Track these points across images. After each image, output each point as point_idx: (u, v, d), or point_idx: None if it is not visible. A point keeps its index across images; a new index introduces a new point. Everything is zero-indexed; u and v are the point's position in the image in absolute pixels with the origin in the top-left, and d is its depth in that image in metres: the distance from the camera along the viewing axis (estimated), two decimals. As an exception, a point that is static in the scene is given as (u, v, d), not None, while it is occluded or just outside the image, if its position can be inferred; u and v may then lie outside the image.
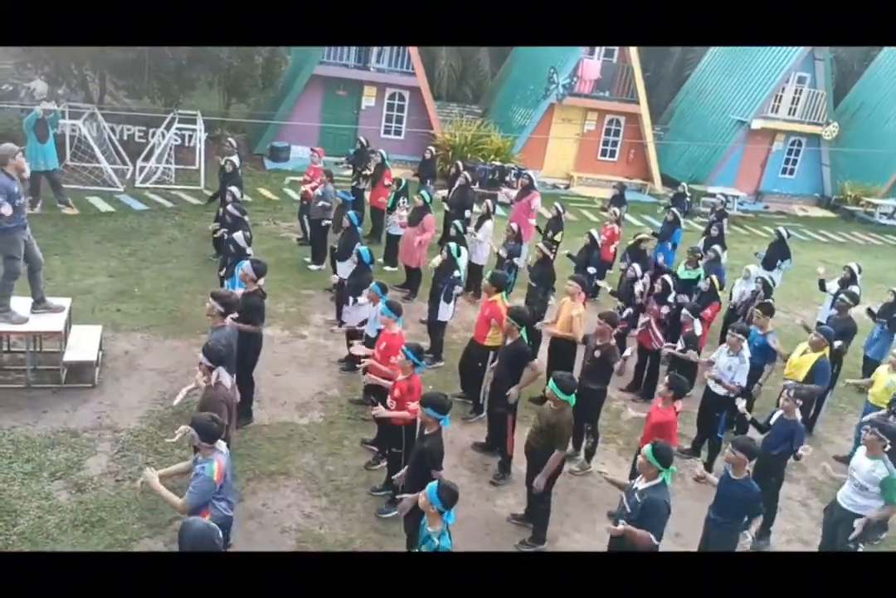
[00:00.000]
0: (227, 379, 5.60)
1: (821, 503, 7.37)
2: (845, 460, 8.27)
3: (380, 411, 6.14)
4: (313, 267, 11.47)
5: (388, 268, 11.67)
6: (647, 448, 5.11)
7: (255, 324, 7.00)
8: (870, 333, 9.86)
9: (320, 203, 10.98)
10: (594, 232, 10.71)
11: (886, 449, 5.93)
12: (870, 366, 9.81)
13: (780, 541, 6.86)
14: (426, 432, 5.49)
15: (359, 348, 7.10)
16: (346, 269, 9.09)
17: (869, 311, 9.90)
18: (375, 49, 17.97)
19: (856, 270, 10.42)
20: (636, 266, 9.63)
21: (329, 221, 10.97)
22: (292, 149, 17.69)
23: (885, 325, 9.75)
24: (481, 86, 22.99)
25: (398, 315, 6.85)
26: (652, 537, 4.92)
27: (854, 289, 9.92)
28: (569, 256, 10.59)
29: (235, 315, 6.60)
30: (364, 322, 7.81)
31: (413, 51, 17.89)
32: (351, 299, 8.15)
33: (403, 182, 11.71)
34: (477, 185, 15.17)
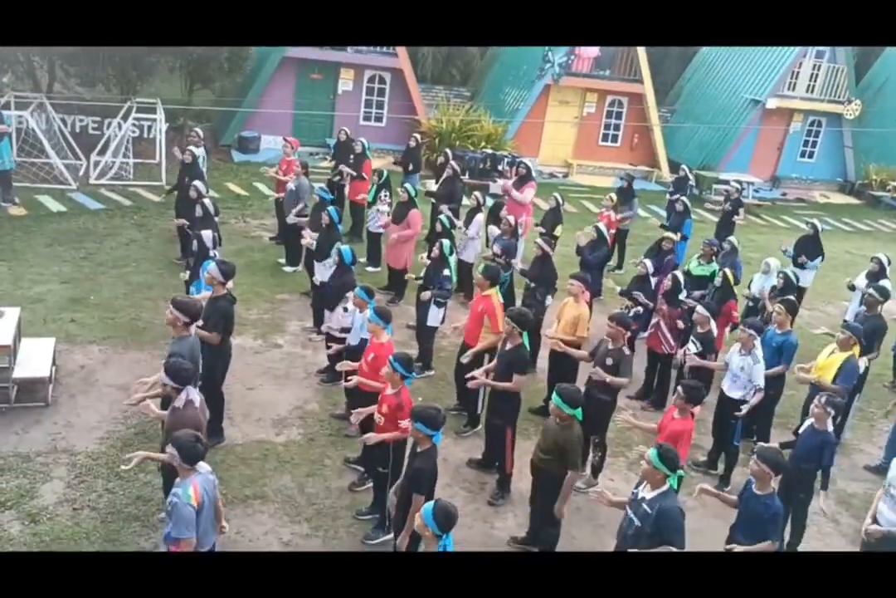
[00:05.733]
0: (196, 399, 5.58)
1: (851, 518, 7.40)
2: (875, 469, 8.31)
3: (370, 437, 6.06)
4: (288, 269, 11.44)
5: (370, 269, 11.66)
6: (651, 453, 5.14)
7: (218, 331, 6.91)
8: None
9: (294, 218, 10.86)
10: (601, 225, 10.73)
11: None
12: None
13: (807, 561, 6.86)
14: (418, 449, 5.48)
15: (345, 364, 7.05)
16: (325, 271, 9.07)
17: None
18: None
19: (885, 261, 10.44)
20: (647, 262, 9.65)
21: (304, 218, 10.85)
22: (263, 139, 17.66)
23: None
24: (469, 66, 23.01)
25: (387, 323, 6.82)
26: (674, 550, 4.94)
27: (884, 283, 9.95)
28: (578, 252, 10.60)
29: (200, 323, 6.56)
30: (346, 330, 7.78)
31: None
32: (340, 307, 8.07)
33: (385, 174, 11.69)
34: (467, 175, 15.18)
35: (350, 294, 7.66)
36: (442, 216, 10.45)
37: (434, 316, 8.87)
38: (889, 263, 10.54)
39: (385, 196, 11.48)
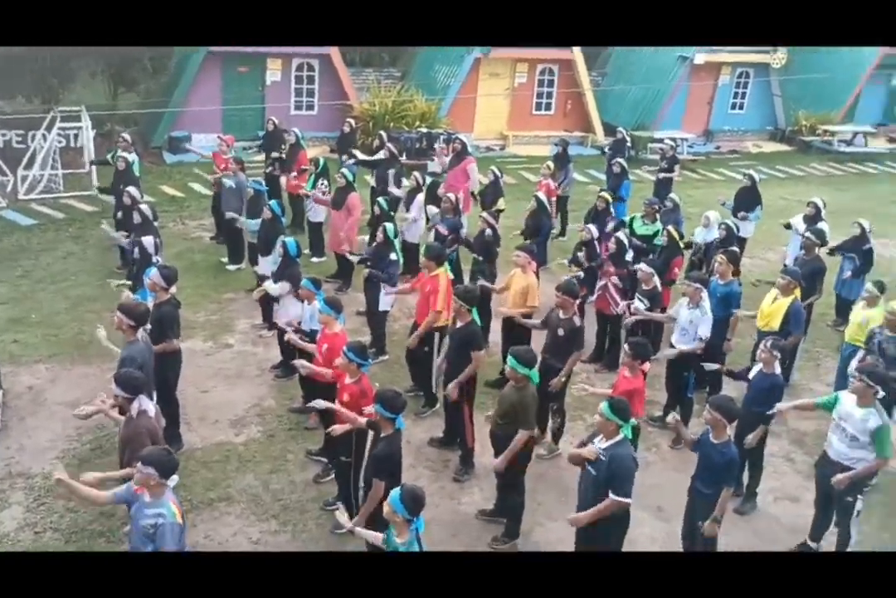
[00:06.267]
0: (150, 407, 5.48)
1: (805, 455, 7.58)
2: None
3: (335, 428, 6.03)
4: (231, 267, 11.28)
5: (315, 259, 11.54)
6: (603, 406, 5.27)
7: (170, 337, 6.85)
8: (838, 270, 10.09)
9: (232, 213, 10.61)
10: (541, 195, 10.70)
11: (878, 397, 5.83)
12: (843, 305, 10.07)
13: (767, 501, 7.03)
14: (381, 434, 5.46)
15: (291, 339, 7.07)
16: (269, 265, 8.96)
17: (831, 251, 10.15)
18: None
19: (820, 205, 10.60)
20: (591, 227, 9.68)
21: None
22: (193, 137, 17.28)
23: (855, 260, 9.97)
24: (398, 46, 22.71)
25: (338, 312, 6.78)
26: (618, 498, 5.10)
27: (822, 225, 10.11)
28: (522, 233, 10.57)
29: (149, 327, 6.46)
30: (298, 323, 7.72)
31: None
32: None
33: (322, 162, 11.54)
34: (404, 156, 15.04)
35: (282, 283, 7.64)
36: (380, 199, 10.37)
37: (385, 301, 8.83)
38: (824, 206, 10.70)
39: (322, 185, 11.35)
